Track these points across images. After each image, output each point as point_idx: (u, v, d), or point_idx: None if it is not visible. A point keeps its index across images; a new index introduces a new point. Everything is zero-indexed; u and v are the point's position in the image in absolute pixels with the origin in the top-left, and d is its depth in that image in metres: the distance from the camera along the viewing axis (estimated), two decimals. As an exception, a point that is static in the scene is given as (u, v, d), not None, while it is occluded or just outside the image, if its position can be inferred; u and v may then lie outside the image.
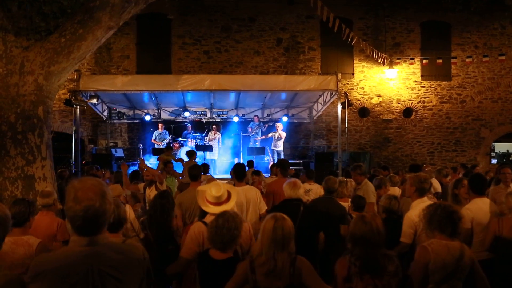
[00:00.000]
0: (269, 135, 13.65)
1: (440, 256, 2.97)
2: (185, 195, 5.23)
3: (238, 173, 5.49)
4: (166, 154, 9.83)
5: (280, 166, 6.22)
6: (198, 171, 5.69)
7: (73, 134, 11.29)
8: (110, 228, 3.15)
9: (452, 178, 9.60)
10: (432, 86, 16.03)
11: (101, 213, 1.89)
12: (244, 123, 14.53)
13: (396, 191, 6.23)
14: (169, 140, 13.73)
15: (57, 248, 3.65)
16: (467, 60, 15.13)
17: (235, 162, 9.11)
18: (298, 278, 2.76)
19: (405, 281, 3.13)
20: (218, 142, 13.93)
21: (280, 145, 13.48)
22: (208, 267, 3.02)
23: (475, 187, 4.32)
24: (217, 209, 3.47)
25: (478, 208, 4.16)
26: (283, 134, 13.48)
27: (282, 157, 13.41)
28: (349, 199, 5.51)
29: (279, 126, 13.57)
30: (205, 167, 9.60)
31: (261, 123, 14.28)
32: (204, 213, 3.75)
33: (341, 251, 4.85)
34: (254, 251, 2.92)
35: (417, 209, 3.89)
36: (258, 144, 13.83)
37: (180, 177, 8.94)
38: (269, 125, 14.29)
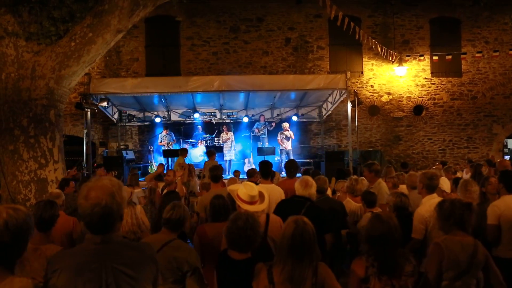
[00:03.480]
0: (278, 137, 13.45)
1: (453, 253, 2.94)
2: (207, 198, 5.01)
3: (263, 170, 5.42)
4: (183, 157, 10.08)
5: (285, 169, 6.16)
6: (219, 172, 5.57)
7: (84, 137, 11.41)
8: (171, 227, 3.27)
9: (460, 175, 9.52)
10: (443, 83, 15.88)
11: (108, 211, 1.91)
12: (254, 123, 14.49)
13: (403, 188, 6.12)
14: (173, 141, 13.73)
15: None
16: (477, 55, 14.95)
17: (262, 160, 9.03)
18: (321, 287, 2.61)
19: (419, 278, 3.10)
20: (232, 142, 13.84)
21: (288, 145, 13.42)
22: (227, 267, 2.96)
23: (507, 184, 4.14)
24: (251, 208, 3.51)
25: (506, 205, 4.03)
26: (291, 133, 13.38)
27: (291, 156, 13.32)
28: None
29: (286, 125, 13.48)
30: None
31: (267, 123, 14.22)
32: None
33: (342, 251, 4.87)
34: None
35: (427, 205, 3.89)
36: (267, 145, 13.76)
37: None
38: (276, 123, 14.24)
